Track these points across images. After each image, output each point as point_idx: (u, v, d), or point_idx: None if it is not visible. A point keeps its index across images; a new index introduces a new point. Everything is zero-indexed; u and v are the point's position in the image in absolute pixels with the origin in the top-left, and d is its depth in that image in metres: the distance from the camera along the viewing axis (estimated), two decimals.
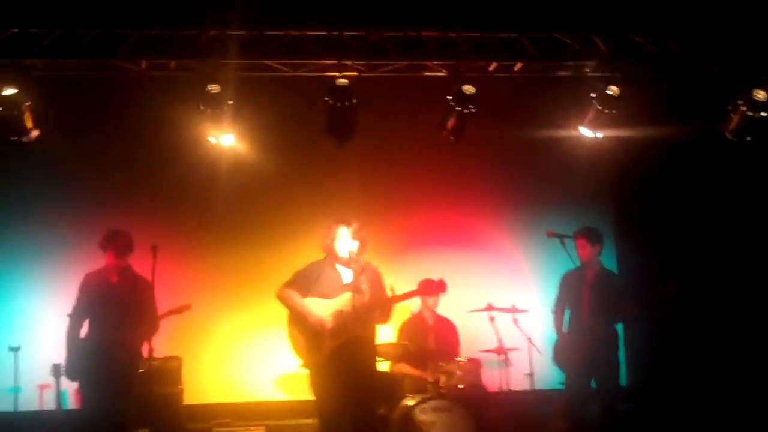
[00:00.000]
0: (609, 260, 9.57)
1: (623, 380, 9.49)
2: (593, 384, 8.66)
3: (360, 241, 7.63)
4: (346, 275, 7.66)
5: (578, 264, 8.73)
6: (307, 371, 7.72)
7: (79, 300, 8.10)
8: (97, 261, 8.24)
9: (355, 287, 7.52)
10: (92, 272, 8.20)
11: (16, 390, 9.27)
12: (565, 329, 8.81)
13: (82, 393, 8.04)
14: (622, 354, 8.95)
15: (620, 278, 9.34)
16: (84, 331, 8.08)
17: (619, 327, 8.84)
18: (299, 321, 7.60)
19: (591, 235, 8.75)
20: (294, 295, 7.62)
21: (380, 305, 7.58)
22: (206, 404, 10.27)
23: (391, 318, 7.81)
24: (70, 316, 8.07)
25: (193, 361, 10.09)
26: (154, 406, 8.61)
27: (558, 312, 8.89)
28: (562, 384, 8.84)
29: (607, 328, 8.59)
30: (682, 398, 10.08)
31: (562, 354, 8.72)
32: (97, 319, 8.04)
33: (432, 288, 7.69)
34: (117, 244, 8.08)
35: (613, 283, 8.83)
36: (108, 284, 8.08)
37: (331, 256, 7.72)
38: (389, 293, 7.59)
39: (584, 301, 8.64)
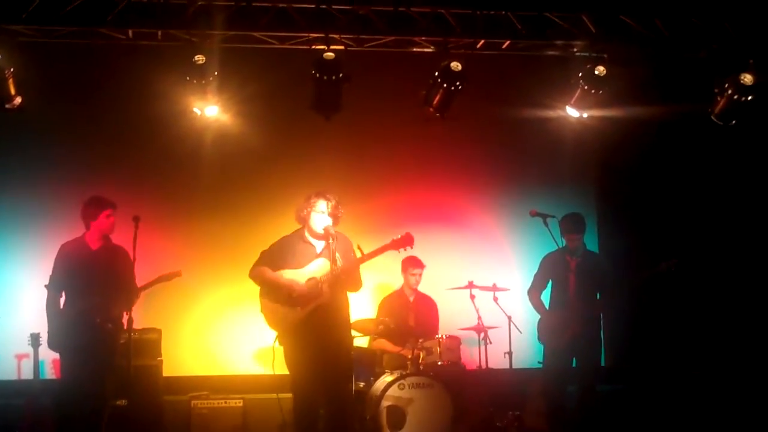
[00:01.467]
0: (591, 241, 9.58)
1: (603, 361, 9.54)
2: (573, 363, 8.69)
3: (334, 218, 7.67)
4: (319, 246, 7.70)
5: (561, 245, 8.75)
6: (281, 346, 7.73)
7: (55, 270, 8.01)
8: (78, 230, 8.17)
9: (327, 255, 7.54)
10: (68, 242, 8.12)
11: None
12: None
13: (64, 364, 7.98)
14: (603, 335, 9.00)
15: (604, 262, 9.29)
16: (62, 301, 8.01)
17: None
18: (270, 292, 7.67)
19: (581, 226, 8.77)
20: (264, 270, 7.71)
21: (350, 270, 7.60)
22: (185, 377, 10.22)
23: (361, 284, 7.84)
24: (48, 287, 7.99)
25: (172, 333, 10.04)
26: (133, 377, 8.55)
27: (536, 293, 8.93)
28: (540, 363, 8.86)
29: (590, 309, 8.62)
30: (661, 379, 10.12)
31: (546, 332, 8.74)
32: (78, 289, 7.95)
33: (399, 242, 7.67)
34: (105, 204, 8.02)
35: (597, 266, 8.85)
36: (87, 253, 8.00)
37: (305, 227, 7.77)
38: (358, 254, 7.61)
39: (570, 285, 8.69)
